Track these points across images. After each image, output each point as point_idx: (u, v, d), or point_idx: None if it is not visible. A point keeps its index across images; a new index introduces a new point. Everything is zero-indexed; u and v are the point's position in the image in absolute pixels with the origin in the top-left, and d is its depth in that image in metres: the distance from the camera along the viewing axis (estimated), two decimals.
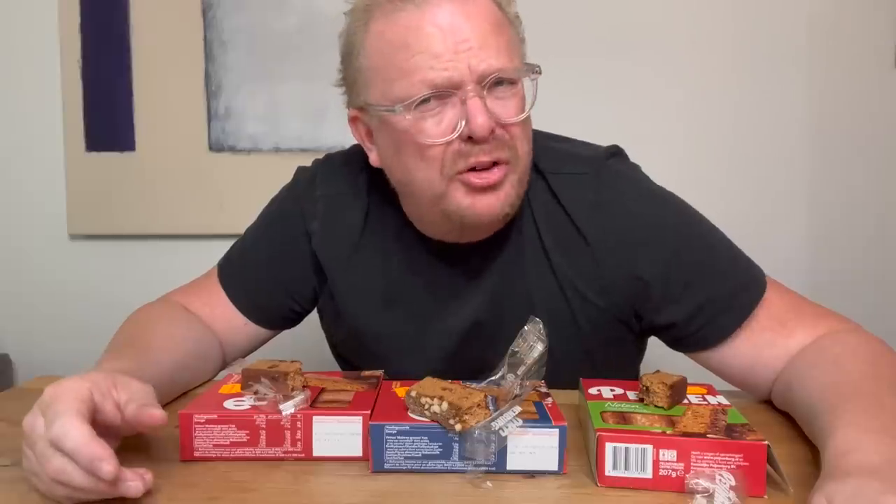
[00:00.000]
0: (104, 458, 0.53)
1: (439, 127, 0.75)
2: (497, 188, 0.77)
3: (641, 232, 0.82)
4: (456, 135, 0.74)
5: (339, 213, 0.91)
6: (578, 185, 0.84)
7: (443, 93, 0.74)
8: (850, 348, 0.74)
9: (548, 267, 0.85)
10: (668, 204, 0.86)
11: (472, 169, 0.76)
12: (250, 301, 0.94)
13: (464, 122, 0.73)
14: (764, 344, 0.79)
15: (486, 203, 0.77)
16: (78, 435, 0.54)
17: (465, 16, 0.73)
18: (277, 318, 0.97)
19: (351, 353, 0.96)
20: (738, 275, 0.83)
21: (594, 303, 0.85)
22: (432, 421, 0.62)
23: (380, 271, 0.90)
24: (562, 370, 0.75)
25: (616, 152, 0.90)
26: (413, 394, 0.64)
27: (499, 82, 0.75)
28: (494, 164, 0.76)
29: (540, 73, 0.78)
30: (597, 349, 0.87)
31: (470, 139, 0.74)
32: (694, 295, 0.82)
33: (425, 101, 0.74)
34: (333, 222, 0.91)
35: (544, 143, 0.88)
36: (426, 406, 0.62)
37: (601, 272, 0.83)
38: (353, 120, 0.85)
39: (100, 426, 0.57)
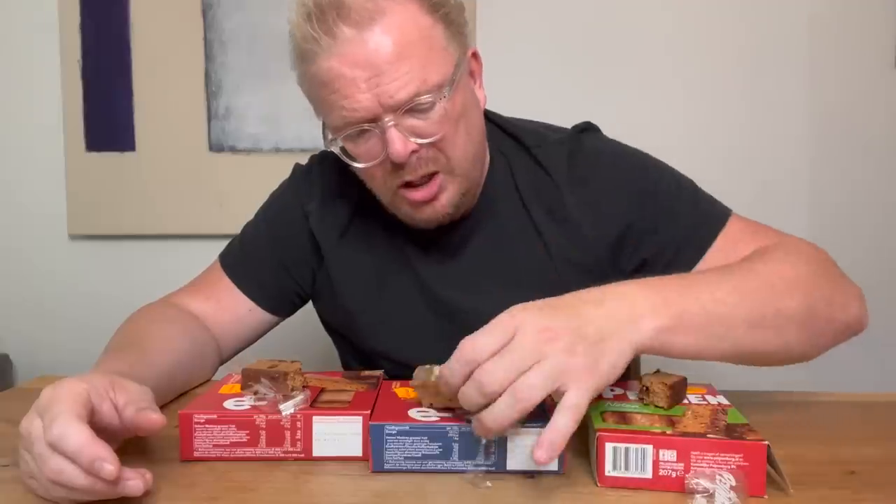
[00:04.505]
0: (105, 459, 0.53)
1: (370, 153, 0.80)
2: (435, 199, 0.83)
3: (616, 176, 0.88)
4: (383, 158, 0.79)
5: (335, 194, 0.95)
6: (559, 150, 0.90)
7: (363, 126, 0.78)
8: (765, 251, 0.79)
9: (535, 234, 0.89)
10: (637, 153, 0.93)
11: (409, 183, 0.81)
12: (254, 282, 0.96)
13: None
14: (713, 264, 0.83)
15: (426, 212, 0.84)
16: (78, 436, 0.54)
17: (374, 46, 0.75)
18: (280, 300, 0.98)
19: (346, 332, 0.99)
20: (700, 212, 0.88)
21: (581, 263, 0.88)
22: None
23: (368, 254, 0.94)
24: None
25: (588, 127, 0.96)
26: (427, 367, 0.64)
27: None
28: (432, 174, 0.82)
29: (448, 94, 0.78)
30: None
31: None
32: (663, 232, 0.87)
33: (355, 131, 0.79)
34: (329, 202, 0.95)
35: (523, 125, 0.95)
36: (434, 373, 0.63)
37: (584, 227, 0.88)
38: None
39: (97, 428, 0.56)
